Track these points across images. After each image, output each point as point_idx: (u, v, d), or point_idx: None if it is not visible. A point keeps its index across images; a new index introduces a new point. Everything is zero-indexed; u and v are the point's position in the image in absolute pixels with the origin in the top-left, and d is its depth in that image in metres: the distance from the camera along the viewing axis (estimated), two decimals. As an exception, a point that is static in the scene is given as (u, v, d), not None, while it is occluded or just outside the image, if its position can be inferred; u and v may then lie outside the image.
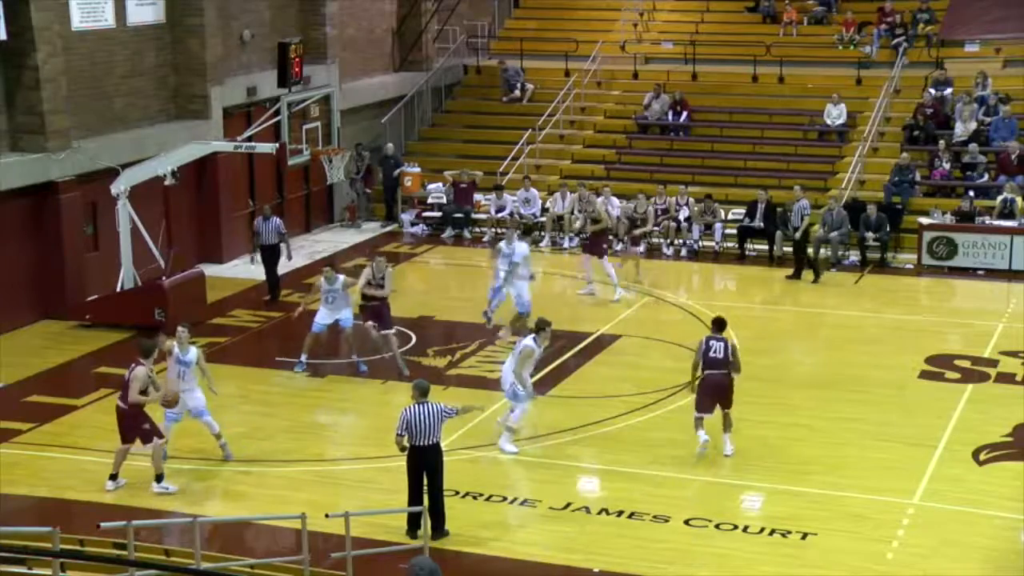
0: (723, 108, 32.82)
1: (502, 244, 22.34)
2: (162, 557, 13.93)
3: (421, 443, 14.79)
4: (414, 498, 14.91)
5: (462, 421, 18.32)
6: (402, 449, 14.92)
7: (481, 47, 35.97)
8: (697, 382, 17.43)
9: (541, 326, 17.51)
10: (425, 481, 14.90)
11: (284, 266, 27.21)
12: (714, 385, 17.26)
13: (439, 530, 14.77)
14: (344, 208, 31.08)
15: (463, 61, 35.45)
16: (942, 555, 14.68)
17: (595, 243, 24.80)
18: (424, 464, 14.86)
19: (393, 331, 20.36)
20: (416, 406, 14.85)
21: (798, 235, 26.09)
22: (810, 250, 26.35)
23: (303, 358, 20.41)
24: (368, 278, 20.27)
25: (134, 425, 16.14)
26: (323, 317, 20.36)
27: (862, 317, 23.82)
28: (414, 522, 14.88)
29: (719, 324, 17.67)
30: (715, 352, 17.29)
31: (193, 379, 16.92)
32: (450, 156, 32.49)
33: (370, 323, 20.17)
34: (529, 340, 17.36)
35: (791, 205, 26.45)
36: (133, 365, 16.14)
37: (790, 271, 26.31)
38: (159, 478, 16.25)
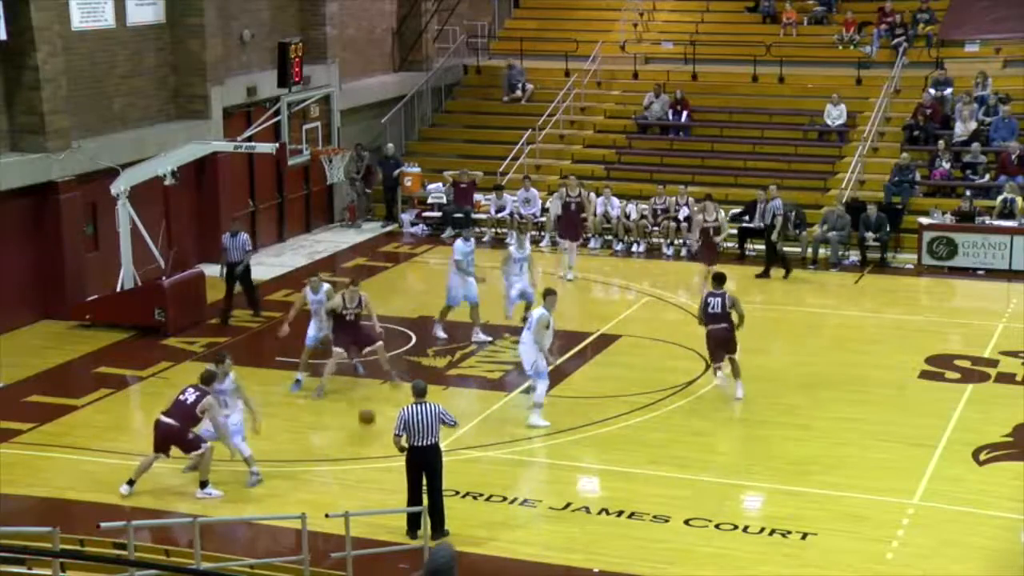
0: (723, 108, 32.82)
1: (512, 249, 22.14)
2: (162, 557, 13.93)
3: (419, 443, 14.79)
4: (413, 498, 14.92)
5: (461, 421, 18.34)
6: (401, 449, 14.93)
7: (481, 47, 35.97)
8: (706, 336, 19.30)
9: (548, 292, 18.81)
10: (424, 481, 14.90)
11: (285, 266, 27.29)
12: (716, 338, 19.18)
13: (439, 530, 14.77)
14: (344, 208, 31.08)
15: (463, 61, 35.45)
16: (942, 555, 14.69)
17: (571, 226, 26.26)
18: (423, 464, 14.85)
19: (379, 344, 19.83)
20: (413, 406, 14.85)
21: (775, 235, 26.26)
22: (795, 248, 26.79)
23: (300, 376, 19.89)
24: (338, 306, 19.46)
25: (181, 440, 16.10)
26: (315, 330, 19.92)
27: (862, 317, 23.82)
28: (414, 522, 14.88)
29: (718, 279, 19.34)
30: (713, 308, 19.15)
31: (233, 403, 16.66)
32: (450, 156, 32.48)
33: (338, 350, 19.45)
34: (541, 309, 18.45)
35: (763, 203, 26.54)
36: (198, 394, 16.01)
37: (792, 271, 26.42)
38: (203, 484, 16.23)
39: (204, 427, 16.33)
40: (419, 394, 14.99)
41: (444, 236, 29.18)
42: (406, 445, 14.83)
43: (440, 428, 14.97)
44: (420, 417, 14.75)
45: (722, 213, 25.96)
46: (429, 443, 14.81)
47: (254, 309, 23.52)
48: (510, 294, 22.02)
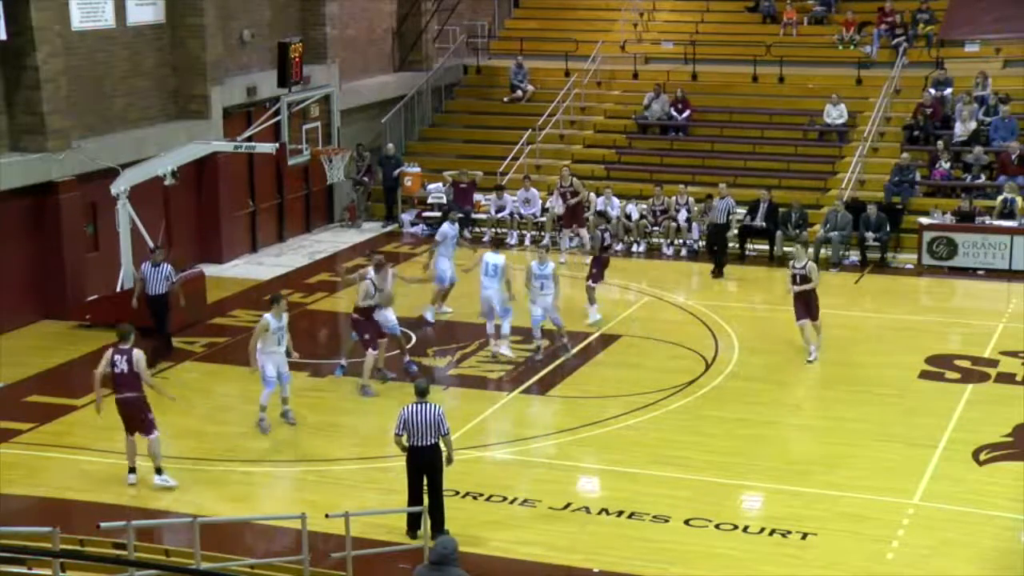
0: (723, 108, 32.82)
1: (534, 264, 21.29)
2: (162, 557, 13.91)
3: (419, 443, 14.77)
4: (413, 498, 14.90)
5: (461, 421, 18.36)
6: (402, 449, 14.92)
7: (481, 47, 35.98)
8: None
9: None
10: (425, 481, 14.89)
11: (285, 266, 27.26)
12: (800, 299, 20.99)
13: (439, 530, 14.75)
14: (344, 208, 31.08)
15: (463, 61, 35.45)
16: (942, 555, 14.68)
17: (574, 215, 26.99)
18: (422, 465, 14.84)
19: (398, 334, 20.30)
20: (414, 406, 14.82)
21: (731, 233, 26.86)
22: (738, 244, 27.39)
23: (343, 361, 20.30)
24: (371, 292, 19.43)
25: (142, 414, 16.24)
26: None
27: (862, 317, 23.82)
28: (414, 522, 14.88)
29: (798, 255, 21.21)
30: (795, 278, 21.03)
31: (284, 339, 17.99)
32: (450, 156, 32.49)
33: (373, 352, 19.53)
34: (502, 258, 20.98)
35: (714, 202, 26.74)
36: (127, 356, 16.15)
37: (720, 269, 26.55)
38: (159, 471, 16.31)
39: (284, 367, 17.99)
40: (421, 394, 14.96)
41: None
42: (406, 445, 14.83)
43: (440, 430, 14.93)
44: (420, 417, 14.73)
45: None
46: (429, 443, 14.78)
47: (166, 345, 21.40)
48: (534, 314, 21.16)
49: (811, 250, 21.66)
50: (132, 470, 16.42)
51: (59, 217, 23.03)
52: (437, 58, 34.53)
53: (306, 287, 25.47)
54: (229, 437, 18.11)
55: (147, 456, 16.34)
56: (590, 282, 22.91)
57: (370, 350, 19.45)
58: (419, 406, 14.79)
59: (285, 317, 18.12)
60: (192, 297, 23.10)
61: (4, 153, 22.70)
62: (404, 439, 14.79)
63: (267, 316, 17.94)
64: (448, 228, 23.39)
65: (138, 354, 16.21)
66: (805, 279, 20.94)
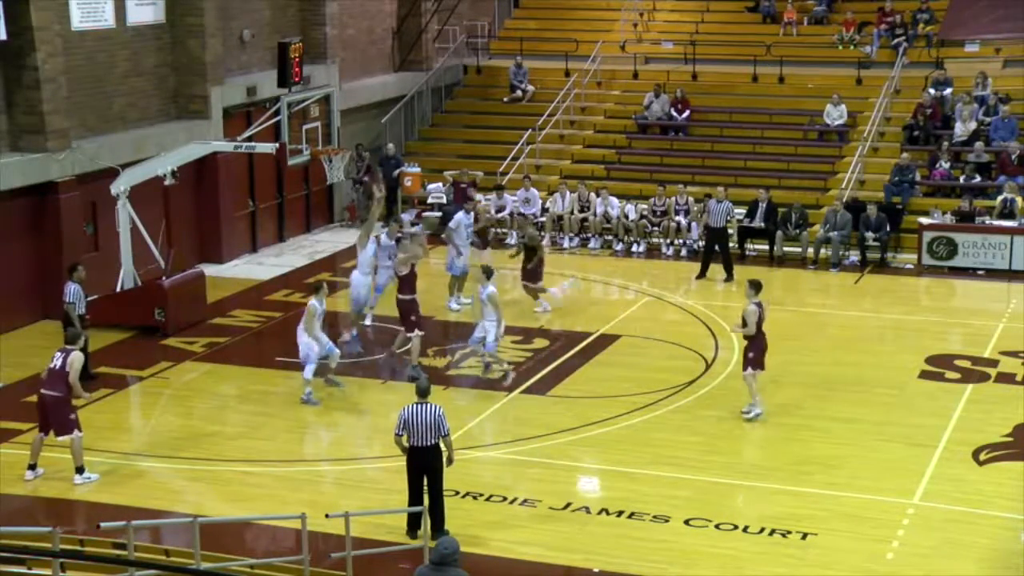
0: (723, 108, 32.82)
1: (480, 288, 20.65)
2: (162, 557, 13.93)
3: (419, 444, 14.75)
4: (414, 498, 14.90)
5: (462, 420, 18.37)
6: (402, 449, 14.91)
7: (481, 47, 35.98)
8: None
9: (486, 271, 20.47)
10: (425, 482, 14.89)
11: (285, 266, 27.25)
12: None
13: (439, 530, 14.75)
14: (344, 208, 31.08)
15: (463, 61, 35.46)
16: (942, 555, 14.69)
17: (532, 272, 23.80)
18: (423, 465, 14.83)
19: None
20: (415, 406, 14.80)
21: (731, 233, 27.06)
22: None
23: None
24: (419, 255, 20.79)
25: (62, 415, 16.43)
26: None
27: (862, 317, 23.82)
28: (414, 522, 14.87)
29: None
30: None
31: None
32: (450, 156, 32.49)
33: (419, 332, 20.29)
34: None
35: (711, 204, 26.61)
36: (64, 355, 16.46)
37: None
38: (80, 470, 16.48)
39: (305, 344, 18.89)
40: (422, 394, 14.95)
41: (444, 236, 29.13)
42: (406, 445, 14.82)
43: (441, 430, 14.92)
44: (421, 418, 14.71)
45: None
46: (429, 444, 14.76)
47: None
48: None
49: (757, 298, 18.52)
50: (32, 467, 16.60)
51: (59, 217, 23.03)
52: (437, 58, 34.53)
53: (306, 287, 25.45)
54: (229, 437, 18.11)
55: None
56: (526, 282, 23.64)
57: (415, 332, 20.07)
58: (419, 406, 14.77)
59: (325, 302, 19.47)
60: (192, 297, 23.13)
61: (4, 153, 22.70)
62: (404, 439, 14.78)
63: (313, 301, 19.12)
64: (463, 217, 24.03)
65: (75, 356, 16.46)
66: (744, 322, 18.58)
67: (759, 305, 18.45)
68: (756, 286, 18.60)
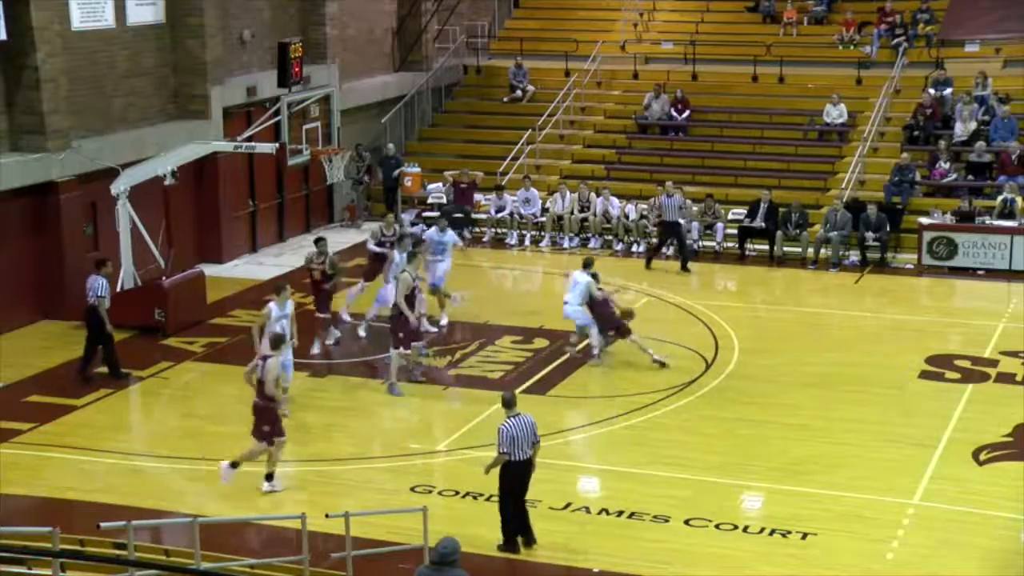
0: (723, 108, 32.82)
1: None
2: (162, 557, 13.92)
3: (518, 457, 14.47)
4: (512, 513, 14.65)
5: (462, 420, 18.37)
6: (495, 465, 14.65)
7: (481, 47, 35.98)
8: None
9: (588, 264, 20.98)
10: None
11: (285, 266, 27.22)
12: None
13: (534, 541, 14.73)
14: (344, 208, 31.08)
15: (463, 61, 35.45)
16: (942, 555, 14.68)
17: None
18: (523, 479, 14.56)
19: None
20: (512, 420, 14.52)
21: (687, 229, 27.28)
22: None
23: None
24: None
25: (264, 419, 16.26)
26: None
27: (862, 317, 23.81)
28: (514, 537, 14.70)
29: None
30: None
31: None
32: (450, 156, 32.49)
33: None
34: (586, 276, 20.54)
35: (662, 199, 26.95)
36: (260, 361, 16.25)
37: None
38: (270, 476, 16.32)
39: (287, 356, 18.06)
40: (510, 405, 14.68)
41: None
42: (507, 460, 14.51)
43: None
44: (520, 430, 14.46)
45: (722, 213, 25.91)
46: (526, 456, 14.56)
47: (85, 371, 20.41)
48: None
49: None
50: (269, 477, 16.45)
51: (59, 217, 23.03)
52: (437, 58, 34.53)
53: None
54: (229, 437, 18.08)
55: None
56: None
57: (400, 349, 19.52)
58: (516, 419, 14.54)
59: (290, 305, 18.72)
60: (192, 297, 23.13)
61: (4, 153, 22.70)
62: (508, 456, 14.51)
63: (271, 305, 18.53)
64: (433, 234, 23.05)
65: (270, 363, 16.20)
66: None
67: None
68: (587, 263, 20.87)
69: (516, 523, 14.72)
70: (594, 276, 20.73)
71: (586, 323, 20.79)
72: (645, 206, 28.53)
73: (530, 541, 14.82)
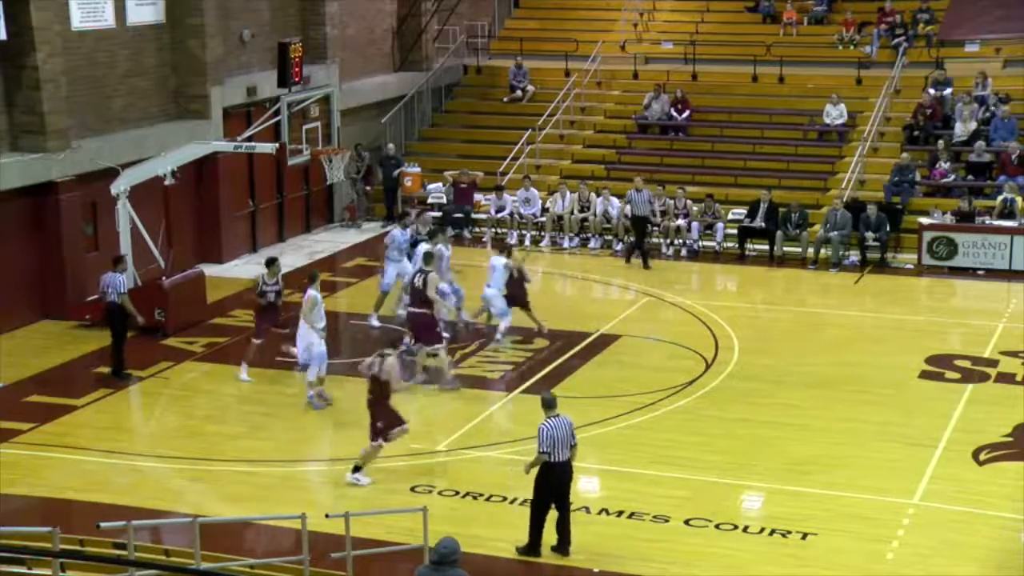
0: (723, 108, 32.82)
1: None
2: (162, 557, 13.92)
3: (557, 459, 14.40)
4: (543, 517, 14.53)
5: (461, 421, 18.37)
6: (534, 466, 14.56)
7: (481, 47, 35.98)
8: None
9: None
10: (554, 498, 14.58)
11: (284, 266, 27.16)
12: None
13: (569, 545, 14.62)
14: (344, 208, 31.08)
15: (463, 61, 35.45)
16: (942, 555, 14.68)
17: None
18: (562, 480, 14.46)
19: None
20: (552, 420, 14.48)
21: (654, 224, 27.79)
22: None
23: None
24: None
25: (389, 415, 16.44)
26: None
27: (862, 317, 23.81)
28: (536, 542, 14.59)
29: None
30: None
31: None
32: (450, 156, 32.49)
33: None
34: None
35: (631, 194, 27.25)
36: (379, 359, 16.40)
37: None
38: (356, 468, 16.43)
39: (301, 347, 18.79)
40: (550, 406, 14.66)
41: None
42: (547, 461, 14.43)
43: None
44: (560, 431, 14.42)
45: (722, 213, 26.00)
46: (565, 458, 14.48)
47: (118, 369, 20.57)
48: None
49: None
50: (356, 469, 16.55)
51: (59, 217, 23.03)
52: (437, 58, 34.53)
53: (306, 287, 25.43)
54: (229, 437, 18.10)
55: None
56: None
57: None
58: (556, 420, 14.51)
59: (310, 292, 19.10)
60: (192, 297, 23.13)
61: (4, 153, 22.70)
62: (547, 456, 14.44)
63: (311, 291, 19.04)
64: (398, 234, 22.96)
65: (389, 362, 16.36)
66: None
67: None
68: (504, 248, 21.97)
69: (559, 527, 14.53)
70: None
71: (504, 311, 21.61)
72: (618, 202, 28.45)
73: (565, 549, 14.56)
